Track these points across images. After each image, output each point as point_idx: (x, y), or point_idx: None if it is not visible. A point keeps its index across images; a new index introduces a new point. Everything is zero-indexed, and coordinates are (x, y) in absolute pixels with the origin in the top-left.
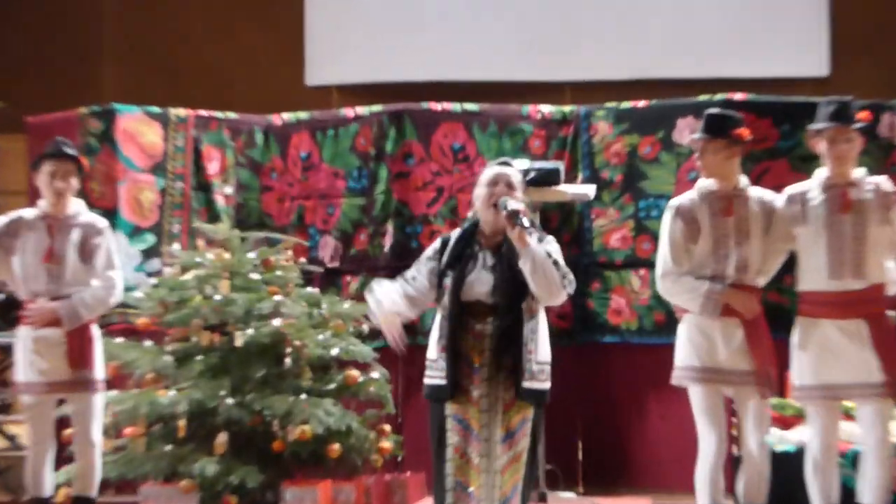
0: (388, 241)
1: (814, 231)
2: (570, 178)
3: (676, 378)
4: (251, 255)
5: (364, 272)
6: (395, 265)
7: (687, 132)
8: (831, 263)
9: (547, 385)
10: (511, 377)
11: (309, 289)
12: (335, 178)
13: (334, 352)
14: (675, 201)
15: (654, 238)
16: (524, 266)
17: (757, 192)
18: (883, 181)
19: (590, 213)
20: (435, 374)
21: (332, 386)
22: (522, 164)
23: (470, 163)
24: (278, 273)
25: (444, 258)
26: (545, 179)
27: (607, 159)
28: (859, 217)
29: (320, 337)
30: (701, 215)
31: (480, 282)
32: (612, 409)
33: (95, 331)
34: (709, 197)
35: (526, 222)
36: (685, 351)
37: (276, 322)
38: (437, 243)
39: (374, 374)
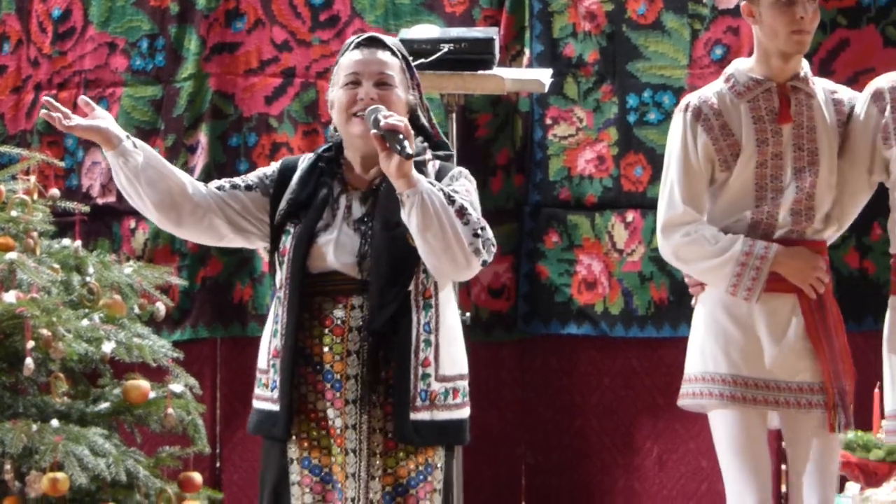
0: (199, 161)
1: None
2: (511, 57)
3: (687, 397)
4: None
5: None
6: None
7: None
8: None
9: (461, 414)
10: (392, 399)
11: (66, 241)
12: (111, 52)
13: (107, 348)
14: (691, 98)
15: (653, 159)
16: (409, 219)
17: (828, 86)
18: None
19: (543, 117)
20: (265, 395)
21: (103, 406)
22: (427, 31)
23: (340, 28)
24: (12, 214)
25: (285, 200)
26: (468, 58)
27: (574, 24)
28: None
29: (84, 323)
30: (737, 123)
31: (341, 245)
32: (579, 446)
33: None
34: (750, 91)
35: (408, 148)
36: (705, 352)
37: (9, 297)
38: (272, 168)
39: (176, 387)
